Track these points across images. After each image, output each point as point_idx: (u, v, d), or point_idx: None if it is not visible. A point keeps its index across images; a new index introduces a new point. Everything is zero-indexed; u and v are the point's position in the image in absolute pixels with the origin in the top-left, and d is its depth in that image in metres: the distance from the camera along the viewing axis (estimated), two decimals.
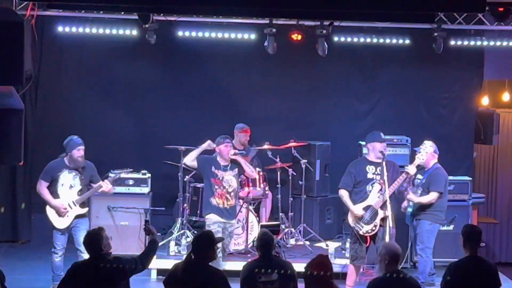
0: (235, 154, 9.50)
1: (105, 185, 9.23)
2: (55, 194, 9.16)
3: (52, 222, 9.16)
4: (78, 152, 9.12)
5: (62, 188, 9.16)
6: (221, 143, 9.49)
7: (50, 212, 9.17)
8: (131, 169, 9.80)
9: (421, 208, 9.49)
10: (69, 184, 9.17)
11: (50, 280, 9.34)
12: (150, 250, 6.97)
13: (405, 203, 9.63)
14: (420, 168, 9.36)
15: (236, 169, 9.58)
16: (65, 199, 9.15)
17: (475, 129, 12.37)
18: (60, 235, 9.20)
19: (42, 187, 9.21)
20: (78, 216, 9.19)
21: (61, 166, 9.19)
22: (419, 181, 9.54)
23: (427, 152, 9.21)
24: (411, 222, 9.67)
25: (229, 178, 9.49)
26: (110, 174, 9.43)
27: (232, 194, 9.49)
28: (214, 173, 9.45)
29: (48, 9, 10.79)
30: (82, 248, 9.22)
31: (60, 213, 9.11)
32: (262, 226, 8.17)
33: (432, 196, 9.39)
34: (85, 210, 9.27)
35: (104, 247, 6.63)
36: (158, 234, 7.32)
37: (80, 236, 9.21)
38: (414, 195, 9.41)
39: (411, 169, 8.97)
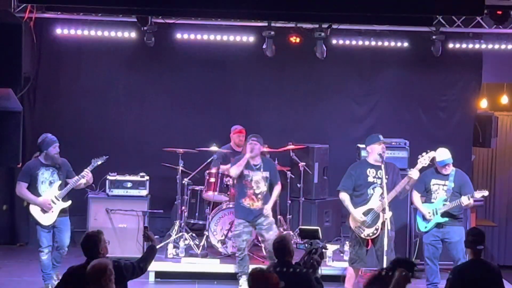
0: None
1: (85, 174, 9.34)
2: (36, 193, 9.26)
3: (38, 220, 9.26)
4: (54, 149, 9.28)
5: (42, 186, 9.29)
6: (248, 141, 9.70)
7: (34, 210, 9.27)
8: (107, 156, 9.75)
9: (453, 215, 9.23)
10: (48, 180, 9.30)
11: (42, 281, 9.44)
12: (149, 255, 6.98)
13: (427, 210, 9.26)
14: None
15: (268, 173, 9.68)
16: (47, 195, 9.27)
17: (473, 132, 12.38)
18: (46, 233, 9.31)
19: (23, 189, 9.30)
20: (61, 213, 9.31)
21: (38, 165, 9.32)
22: (444, 187, 9.26)
23: (430, 157, 9.04)
24: (431, 229, 9.31)
25: (258, 179, 9.62)
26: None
27: (259, 196, 9.62)
28: (244, 175, 9.61)
29: (47, 12, 10.80)
30: (64, 249, 9.28)
31: (46, 209, 9.22)
32: (301, 230, 8.00)
33: (472, 199, 9.17)
34: (68, 203, 9.37)
35: (101, 250, 6.63)
36: (156, 236, 7.31)
37: (65, 238, 9.32)
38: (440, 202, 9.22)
39: (414, 173, 8.91)
